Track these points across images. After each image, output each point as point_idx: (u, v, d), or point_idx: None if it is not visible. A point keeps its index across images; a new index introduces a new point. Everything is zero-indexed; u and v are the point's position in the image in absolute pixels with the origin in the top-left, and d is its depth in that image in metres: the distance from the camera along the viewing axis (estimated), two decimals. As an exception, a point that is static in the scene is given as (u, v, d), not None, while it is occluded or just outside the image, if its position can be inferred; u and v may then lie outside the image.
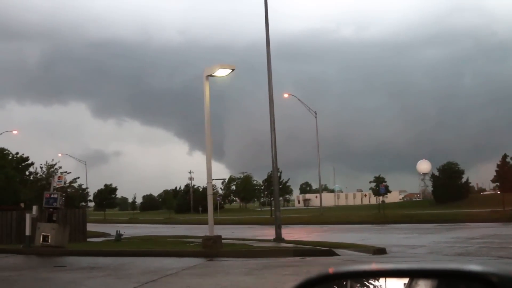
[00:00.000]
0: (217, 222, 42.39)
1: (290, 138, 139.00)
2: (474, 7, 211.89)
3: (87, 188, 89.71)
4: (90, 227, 37.34)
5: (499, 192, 78.82)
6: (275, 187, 28.84)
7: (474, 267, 2.06)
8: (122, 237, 28.80)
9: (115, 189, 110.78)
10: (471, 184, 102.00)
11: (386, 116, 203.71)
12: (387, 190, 65.11)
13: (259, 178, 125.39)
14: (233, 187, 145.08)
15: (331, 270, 2.39)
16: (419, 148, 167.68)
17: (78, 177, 51.83)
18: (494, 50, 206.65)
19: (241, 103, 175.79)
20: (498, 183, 69.56)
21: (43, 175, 47.04)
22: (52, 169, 46.45)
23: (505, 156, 67.24)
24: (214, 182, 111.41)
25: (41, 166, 48.23)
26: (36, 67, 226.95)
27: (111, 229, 43.72)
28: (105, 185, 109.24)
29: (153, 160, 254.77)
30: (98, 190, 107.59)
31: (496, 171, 67.39)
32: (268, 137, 27.32)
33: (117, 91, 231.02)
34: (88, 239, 30.26)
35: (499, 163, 67.13)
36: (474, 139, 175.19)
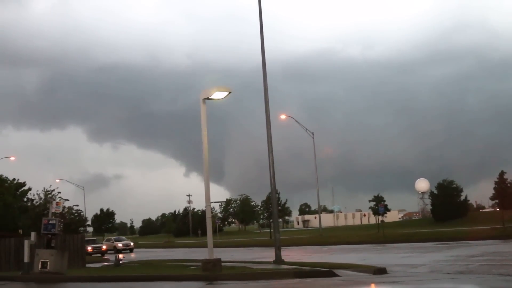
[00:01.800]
0: (216, 245, 42.21)
1: (290, 158, 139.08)
2: (477, 24, 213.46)
3: (84, 214, 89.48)
4: (89, 252, 37.11)
5: (498, 209, 78.79)
6: (273, 208, 28.77)
7: None
8: (121, 262, 28.66)
9: (112, 214, 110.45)
10: (470, 202, 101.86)
11: (390, 134, 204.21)
12: (386, 209, 65.02)
13: (258, 199, 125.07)
14: (231, 209, 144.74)
15: None
16: (420, 166, 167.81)
17: (77, 205, 52.23)
18: (496, 67, 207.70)
19: (244, 124, 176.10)
20: (497, 201, 69.48)
21: (41, 201, 46.85)
22: (50, 195, 46.25)
23: (502, 173, 67.24)
24: (212, 205, 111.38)
25: (38, 192, 48.06)
26: (34, 92, 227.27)
27: (111, 254, 43.57)
28: (101, 210, 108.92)
29: (151, 183, 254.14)
30: (94, 215, 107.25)
31: (494, 188, 67.35)
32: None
33: (115, 115, 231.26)
34: (87, 265, 30.10)
35: (497, 179, 67.12)
36: (475, 156, 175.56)
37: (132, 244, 63.16)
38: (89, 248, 49.25)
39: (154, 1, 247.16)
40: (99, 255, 51.23)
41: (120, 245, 61.94)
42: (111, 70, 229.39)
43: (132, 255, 53.48)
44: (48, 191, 47.01)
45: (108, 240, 63.95)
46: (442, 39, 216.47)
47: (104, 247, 55.10)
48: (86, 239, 58.89)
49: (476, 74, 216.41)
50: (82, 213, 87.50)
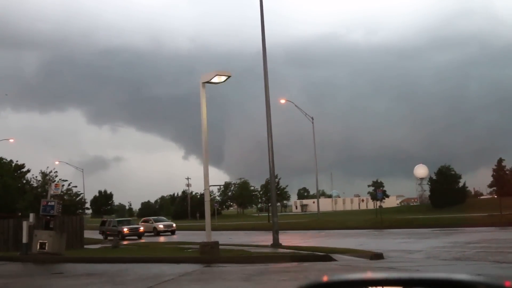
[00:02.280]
0: (214, 228, 42.46)
1: (290, 143, 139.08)
2: (481, 10, 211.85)
3: (83, 196, 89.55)
4: (88, 233, 37.31)
5: (495, 197, 78.99)
6: (272, 193, 28.84)
7: (463, 276, 2.11)
8: (119, 243, 28.79)
9: (111, 196, 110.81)
10: (468, 189, 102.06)
11: (391, 119, 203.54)
12: (385, 195, 65.17)
13: (258, 184, 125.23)
14: (230, 193, 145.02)
15: (325, 278, 2.43)
16: (420, 152, 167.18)
17: (76, 186, 51.54)
18: (499, 54, 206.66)
19: (245, 108, 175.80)
20: (495, 188, 69.61)
21: (39, 183, 46.95)
22: (48, 177, 46.33)
23: (500, 160, 67.30)
24: (211, 188, 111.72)
25: (34, 175, 48.23)
26: (34, 74, 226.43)
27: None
28: (99, 192, 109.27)
29: (150, 166, 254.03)
30: (94, 197, 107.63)
31: (492, 175, 67.45)
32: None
33: (115, 98, 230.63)
34: (86, 246, 30.25)
35: (495, 167, 67.22)
36: (476, 143, 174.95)
37: (174, 225, 56.52)
38: (125, 230, 47.07)
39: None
40: (136, 237, 46.95)
41: (161, 226, 54.80)
42: (113, 53, 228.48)
43: (175, 236, 49.83)
44: (45, 173, 47.06)
45: (146, 221, 56.95)
46: (446, 24, 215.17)
47: (141, 229, 49.42)
48: (120, 219, 54.82)
49: (479, 60, 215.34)
50: (81, 195, 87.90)
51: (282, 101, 57.43)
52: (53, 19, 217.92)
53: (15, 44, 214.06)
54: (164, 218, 66.98)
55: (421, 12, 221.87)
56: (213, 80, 20.55)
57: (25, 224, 23.95)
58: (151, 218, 60.15)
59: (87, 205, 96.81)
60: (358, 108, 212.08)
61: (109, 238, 44.88)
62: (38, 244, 22.59)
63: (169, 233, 53.90)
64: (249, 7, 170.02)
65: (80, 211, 55.69)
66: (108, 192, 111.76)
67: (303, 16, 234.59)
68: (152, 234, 51.96)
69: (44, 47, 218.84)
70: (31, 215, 24.80)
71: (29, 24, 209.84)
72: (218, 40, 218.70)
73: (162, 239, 44.81)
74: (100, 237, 47.86)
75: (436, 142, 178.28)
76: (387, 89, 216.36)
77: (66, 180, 47.60)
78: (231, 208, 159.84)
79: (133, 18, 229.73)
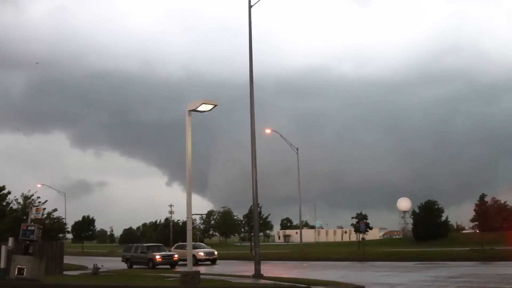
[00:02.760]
0: (196, 257, 42.07)
1: (275, 173, 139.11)
2: (469, 47, 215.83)
3: (64, 220, 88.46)
4: (67, 259, 36.83)
5: (477, 231, 79.27)
6: (255, 223, 28.73)
7: None
8: (99, 270, 28.43)
9: (93, 221, 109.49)
10: (450, 223, 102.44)
11: (378, 152, 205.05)
12: (368, 227, 65.14)
13: (241, 213, 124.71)
14: (213, 221, 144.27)
15: None
16: (406, 185, 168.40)
17: (56, 209, 50.57)
18: (485, 90, 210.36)
19: (233, 137, 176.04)
20: (477, 222, 69.91)
21: (20, 206, 46.33)
22: (29, 200, 45.76)
23: (483, 196, 67.75)
24: (194, 216, 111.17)
25: (16, 198, 47.41)
26: (21, 95, 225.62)
27: (89, 262, 43.09)
28: (83, 217, 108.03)
29: (133, 191, 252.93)
30: (76, 222, 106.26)
31: (475, 210, 67.80)
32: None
33: (101, 122, 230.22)
34: (65, 272, 29.83)
35: (477, 202, 67.59)
36: (460, 177, 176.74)
37: (216, 253, 49.04)
38: (158, 257, 41.39)
39: (152, 11, 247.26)
40: (168, 266, 41.95)
41: (201, 254, 47.48)
42: (104, 77, 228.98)
43: (216, 266, 42.84)
44: (27, 196, 46.49)
45: (181, 247, 47.96)
46: (434, 60, 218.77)
47: (176, 256, 42.85)
48: (149, 244, 47.43)
49: (466, 96, 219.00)
50: (62, 220, 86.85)
51: (268, 131, 57.65)
52: (47, 40, 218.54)
53: (4, 64, 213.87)
54: (203, 244, 61.06)
55: (411, 48, 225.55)
56: (199, 108, 20.61)
57: (3, 249, 23.58)
58: (185, 244, 50.09)
59: (68, 229, 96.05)
60: (346, 140, 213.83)
61: (134, 267, 42.09)
62: (16, 269, 22.21)
63: (209, 262, 47.16)
64: (241, 36, 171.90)
65: (60, 235, 54.82)
66: (91, 217, 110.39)
67: (295, 47, 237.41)
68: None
69: (34, 68, 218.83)
70: (10, 239, 24.43)
71: (22, 44, 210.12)
72: (209, 68, 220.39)
73: (202, 269, 33.73)
74: (80, 262, 46.76)
75: (421, 175, 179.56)
76: (375, 122, 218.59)
77: (46, 201, 46.79)
78: (214, 236, 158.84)
79: (126, 43, 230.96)
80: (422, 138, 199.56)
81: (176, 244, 54.49)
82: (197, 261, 44.91)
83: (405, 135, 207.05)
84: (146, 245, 45.45)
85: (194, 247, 46.08)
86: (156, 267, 40.31)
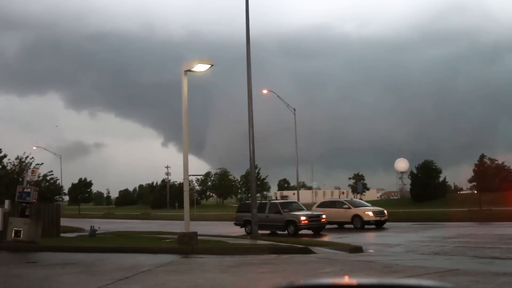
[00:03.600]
0: (193, 218, 42.19)
1: (272, 133, 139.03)
2: (474, 6, 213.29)
3: (60, 183, 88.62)
4: (64, 222, 37.03)
5: (475, 192, 79.88)
6: (252, 183, 28.88)
7: (432, 283, 2.16)
8: (96, 232, 28.64)
9: (90, 183, 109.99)
10: (448, 183, 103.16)
11: (379, 111, 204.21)
12: (365, 188, 65.68)
13: (239, 173, 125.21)
14: (210, 183, 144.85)
15: (301, 281, 2.43)
16: (405, 145, 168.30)
17: (51, 172, 50.49)
18: (488, 50, 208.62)
19: (232, 97, 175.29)
20: (475, 183, 70.43)
21: (15, 169, 46.31)
22: (25, 163, 45.73)
23: (482, 156, 68.10)
24: (191, 178, 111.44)
25: (10, 160, 47.26)
26: (17, 56, 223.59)
27: (86, 224, 43.35)
28: (80, 179, 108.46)
29: (129, 153, 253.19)
30: (73, 184, 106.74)
31: (473, 170, 68.22)
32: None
33: (97, 83, 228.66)
34: (62, 235, 30.01)
35: (477, 162, 67.94)
36: (460, 138, 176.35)
37: (386, 212, 36.61)
38: (303, 218, 30.91)
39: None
40: (310, 231, 31.73)
41: (369, 213, 35.60)
42: (102, 38, 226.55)
43: (385, 231, 33.38)
44: (21, 158, 46.42)
45: (332, 205, 37.77)
46: (438, 19, 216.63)
47: (324, 217, 32.57)
48: (282, 200, 36.30)
49: (468, 56, 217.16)
50: (58, 181, 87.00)
51: (265, 91, 57.39)
52: (46, 1, 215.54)
53: (1, 24, 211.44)
54: (363, 201, 47.58)
55: (414, 7, 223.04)
56: (195, 69, 20.49)
57: (0, 211, 23.69)
58: (341, 200, 40.65)
59: (65, 191, 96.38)
60: (347, 99, 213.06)
61: (261, 232, 29.42)
62: (13, 231, 22.36)
63: (373, 225, 35.60)
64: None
65: (57, 198, 54.91)
66: (87, 179, 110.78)
67: (297, 5, 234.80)
68: (349, 225, 35.84)
69: (31, 29, 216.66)
70: (6, 202, 24.54)
71: (21, 4, 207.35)
72: (211, 28, 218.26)
73: (368, 235, 30.26)
74: (77, 225, 46.83)
75: (422, 135, 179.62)
76: (377, 81, 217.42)
77: (42, 163, 46.66)
78: (211, 198, 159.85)
79: (125, 3, 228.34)
80: (423, 98, 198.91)
81: (320, 202, 42.05)
82: (363, 223, 35.10)
83: (406, 94, 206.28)
84: (278, 202, 35.27)
85: (358, 205, 37.76)
86: (299, 232, 30.83)
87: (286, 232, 31.13)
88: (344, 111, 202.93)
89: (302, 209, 33.85)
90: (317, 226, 31.93)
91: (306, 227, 31.15)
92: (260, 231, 28.65)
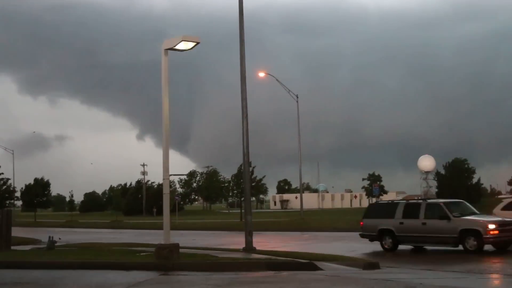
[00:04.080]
0: (174, 227, 42.20)
1: (272, 126, 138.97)
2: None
3: (12, 184, 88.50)
4: (17, 231, 36.91)
5: (516, 195, 79.93)
6: (246, 185, 28.77)
7: None
8: (56, 244, 28.51)
9: (48, 184, 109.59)
10: (483, 186, 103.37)
11: (402, 100, 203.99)
12: (382, 191, 65.70)
13: (229, 174, 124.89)
14: (195, 184, 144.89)
15: None
16: (433, 140, 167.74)
17: (1, 173, 50.30)
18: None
19: (223, 81, 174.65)
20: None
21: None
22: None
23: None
24: (172, 178, 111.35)
25: None
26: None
27: (43, 234, 43.19)
28: (36, 180, 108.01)
29: (97, 148, 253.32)
30: (26, 186, 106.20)
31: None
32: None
33: (58, 64, 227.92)
34: (13, 247, 29.87)
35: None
36: (498, 132, 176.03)
37: None
38: (491, 227, 24.70)
39: None
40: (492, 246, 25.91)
41: None
42: (67, 9, 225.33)
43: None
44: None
45: None
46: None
47: None
48: (448, 200, 29.61)
49: (510, 33, 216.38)
50: (9, 182, 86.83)
51: (261, 74, 57.37)
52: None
53: None
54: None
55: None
56: (178, 47, 20.37)
57: None
58: None
59: (17, 195, 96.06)
60: (363, 84, 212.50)
61: (417, 246, 27.92)
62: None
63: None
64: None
65: (8, 203, 54.69)
66: (45, 179, 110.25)
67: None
68: None
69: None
70: None
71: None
72: (198, 1, 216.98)
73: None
74: (33, 235, 46.73)
75: (452, 128, 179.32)
76: (399, 63, 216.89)
77: None
78: (196, 202, 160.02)
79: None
80: (455, 83, 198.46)
81: (507, 201, 32.74)
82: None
83: (435, 79, 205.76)
84: (442, 202, 28.24)
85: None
86: (483, 249, 25.09)
87: (459, 247, 25.55)
88: (359, 98, 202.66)
89: (476, 213, 27.94)
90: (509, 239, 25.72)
91: (495, 240, 25.24)
92: (409, 244, 27.47)
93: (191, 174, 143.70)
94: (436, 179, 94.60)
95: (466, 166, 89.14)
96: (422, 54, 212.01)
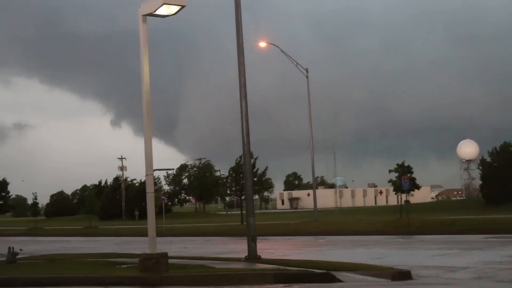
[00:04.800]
0: (161, 233, 42.38)
1: (278, 108, 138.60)
2: None
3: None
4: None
5: None
6: (246, 180, 28.77)
7: None
8: (17, 257, 28.62)
9: (5, 184, 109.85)
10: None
11: (441, 73, 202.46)
12: (414, 185, 65.56)
13: (225, 167, 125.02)
14: (186, 180, 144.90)
15: None
16: (475, 122, 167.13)
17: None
18: None
19: (219, 55, 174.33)
20: None
21: None
22: None
23: None
24: (157, 174, 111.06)
25: None
26: None
27: (1, 245, 43.46)
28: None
29: (63, 138, 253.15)
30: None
31: None
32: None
33: (15, 36, 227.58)
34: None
35: None
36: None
37: None
38: None
39: None
40: None
41: None
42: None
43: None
44: None
45: None
46: None
47: None
48: None
49: None
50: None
51: (262, 44, 57.29)
52: None
53: None
54: None
55: None
56: (158, 12, 20.29)
57: None
58: None
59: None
60: (394, 53, 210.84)
61: None
62: None
63: None
64: None
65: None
66: (1, 178, 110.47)
67: None
68: None
69: None
70: None
71: None
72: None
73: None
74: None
75: (502, 107, 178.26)
76: (439, 27, 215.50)
77: None
78: (187, 203, 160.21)
79: None
80: (507, 52, 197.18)
81: None
82: None
83: (482, 47, 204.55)
84: None
85: None
86: None
87: None
88: (388, 71, 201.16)
89: None
90: None
91: None
92: None
93: (181, 169, 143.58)
94: (480, 169, 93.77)
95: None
96: (467, 17, 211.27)
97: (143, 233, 24.16)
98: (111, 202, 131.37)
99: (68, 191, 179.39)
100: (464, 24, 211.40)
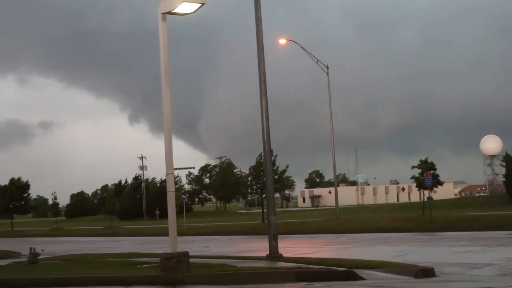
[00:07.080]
0: (182, 233, 42.45)
1: (300, 106, 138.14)
2: None
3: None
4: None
5: None
6: (267, 178, 28.78)
7: None
8: (39, 257, 28.77)
9: (27, 186, 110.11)
10: None
11: (478, 66, 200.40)
12: (437, 182, 65.27)
13: (246, 166, 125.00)
14: (207, 180, 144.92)
15: None
16: (500, 116, 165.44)
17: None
18: None
19: (242, 53, 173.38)
20: None
21: None
22: None
23: None
24: (177, 172, 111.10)
25: None
26: None
27: (23, 245, 43.63)
28: (11, 180, 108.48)
29: (82, 137, 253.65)
30: (0, 188, 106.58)
31: None
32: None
33: (31, 34, 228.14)
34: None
35: None
36: None
37: None
38: None
39: None
40: None
41: None
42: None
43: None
44: None
45: None
46: None
47: None
48: None
49: None
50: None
51: (282, 40, 57.26)
52: None
53: None
54: None
55: None
56: (178, 10, 20.28)
57: None
58: None
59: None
60: (431, 46, 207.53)
61: None
62: None
63: None
64: None
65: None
66: (23, 180, 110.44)
67: None
68: None
69: None
70: None
71: None
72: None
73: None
74: (10, 247, 47.15)
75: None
76: (479, 18, 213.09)
77: None
78: (208, 202, 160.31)
79: None
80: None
81: None
82: None
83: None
84: None
85: None
86: None
87: None
88: (423, 64, 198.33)
89: None
90: None
91: None
92: None
93: (203, 168, 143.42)
94: (504, 165, 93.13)
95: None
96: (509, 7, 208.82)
97: (164, 233, 24.26)
98: (132, 202, 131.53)
99: (88, 191, 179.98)
100: (502, 15, 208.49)
